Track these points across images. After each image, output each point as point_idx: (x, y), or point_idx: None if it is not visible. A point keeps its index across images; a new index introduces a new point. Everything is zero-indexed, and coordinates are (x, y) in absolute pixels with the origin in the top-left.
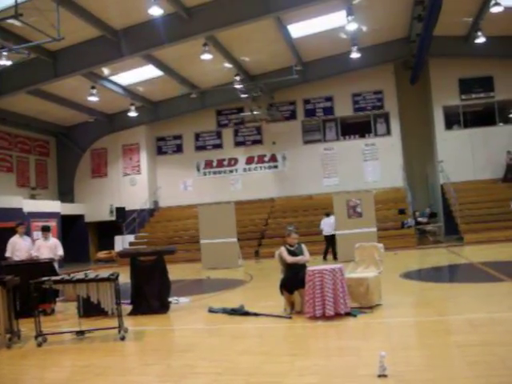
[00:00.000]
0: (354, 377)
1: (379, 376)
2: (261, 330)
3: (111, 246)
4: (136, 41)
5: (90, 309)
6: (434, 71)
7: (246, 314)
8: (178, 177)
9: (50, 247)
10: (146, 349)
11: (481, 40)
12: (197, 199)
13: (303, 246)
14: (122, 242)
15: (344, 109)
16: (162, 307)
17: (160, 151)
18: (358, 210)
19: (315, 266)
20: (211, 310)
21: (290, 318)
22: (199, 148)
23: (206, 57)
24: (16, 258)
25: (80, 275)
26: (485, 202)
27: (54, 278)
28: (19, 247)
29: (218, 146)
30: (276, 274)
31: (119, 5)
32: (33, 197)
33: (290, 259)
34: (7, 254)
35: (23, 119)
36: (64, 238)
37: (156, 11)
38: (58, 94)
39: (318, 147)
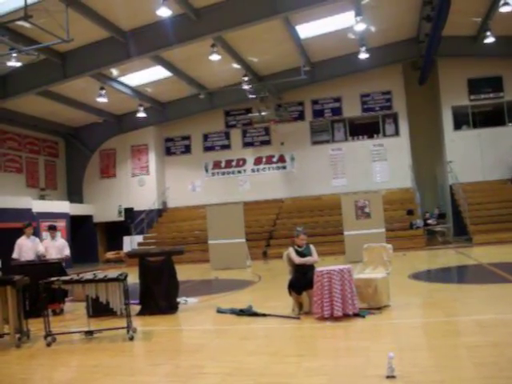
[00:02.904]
0: (363, 378)
1: (387, 377)
2: (269, 331)
3: (120, 246)
4: (144, 42)
5: (98, 309)
6: (442, 71)
7: (255, 314)
8: (186, 177)
9: (57, 247)
10: (155, 349)
11: (490, 40)
12: (205, 200)
13: (312, 246)
14: (130, 243)
15: (352, 109)
16: (171, 307)
17: (168, 152)
18: (367, 210)
19: (323, 266)
20: (219, 311)
21: (299, 318)
22: (207, 149)
23: (215, 57)
24: (23, 260)
25: (89, 275)
26: (494, 202)
27: (63, 278)
28: (26, 248)
29: (227, 147)
30: (284, 275)
31: (127, 6)
32: (42, 197)
33: (298, 260)
34: (14, 256)
35: (32, 120)
36: (73, 239)
37: (164, 12)
38: (67, 95)
39: (326, 148)
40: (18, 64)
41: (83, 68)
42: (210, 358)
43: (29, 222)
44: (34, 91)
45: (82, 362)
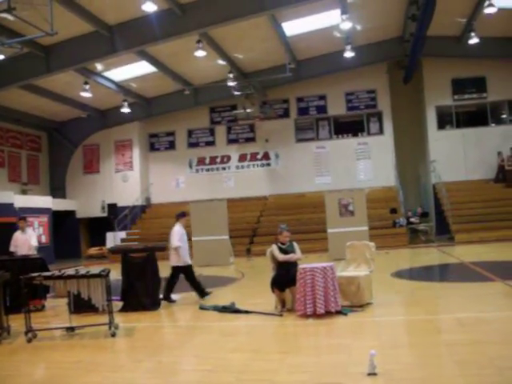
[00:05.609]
0: (344, 375)
1: (369, 374)
2: (251, 328)
3: (103, 242)
4: (129, 37)
5: (80, 305)
6: (427, 71)
7: (237, 311)
8: (170, 173)
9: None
10: (137, 345)
11: (474, 41)
12: (189, 196)
13: (295, 244)
14: (113, 239)
15: (337, 107)
16: (153, 304)
17: (152, 148)
18: (350, 208)
19: (306, 264)
20: (202, 307)
21: (281, 315)
22: (192, 145)
23: (200, 54)
24: (19, 253)
25: (71, 271)
26: (476, 202)
27: (44, 273)
28: (20, 243)
29: (211, 144)
30: (267, 272)
31: (113, 0)
32: (24, 192)
33: (281, 257)
34: (11, 249)
35: (15, 114)
36: (55, 234)
37: (149, 7)
38: (51, 89)
39: (310, 145)
40: (1, 57)
41: (67, 62)
42: (192, 354)
43: (22, 216)
44: (17, 85)
45: (64, 358)
